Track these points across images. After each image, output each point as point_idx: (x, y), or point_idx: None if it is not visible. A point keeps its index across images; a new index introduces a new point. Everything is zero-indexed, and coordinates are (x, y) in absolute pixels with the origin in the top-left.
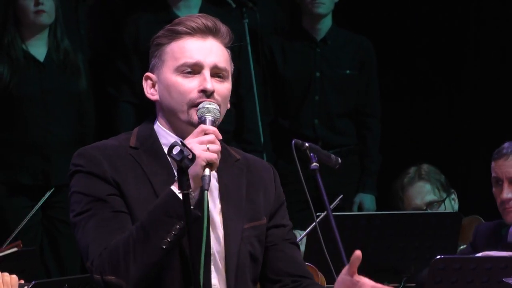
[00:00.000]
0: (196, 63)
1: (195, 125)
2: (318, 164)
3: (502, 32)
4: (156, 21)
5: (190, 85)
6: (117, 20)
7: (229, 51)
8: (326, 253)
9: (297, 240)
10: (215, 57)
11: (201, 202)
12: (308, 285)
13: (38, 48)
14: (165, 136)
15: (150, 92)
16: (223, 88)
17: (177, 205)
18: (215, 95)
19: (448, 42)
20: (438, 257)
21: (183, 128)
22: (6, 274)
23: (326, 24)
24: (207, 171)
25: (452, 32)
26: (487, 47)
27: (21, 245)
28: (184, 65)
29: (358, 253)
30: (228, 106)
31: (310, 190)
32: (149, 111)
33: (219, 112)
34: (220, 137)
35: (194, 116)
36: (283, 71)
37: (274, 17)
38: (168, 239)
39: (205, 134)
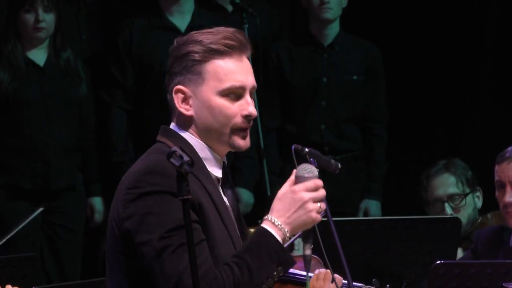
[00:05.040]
0: (241, 87)
1: (235, 148)
2: (318, 169)
3: (507, 35)
4: (149, 27)
5: (235, 109)
6: (115, 23)
7: None
8: (327, 258)
9: (291, 240)
10: (252, 77)
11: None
12: None
13: (38, 55)
14: (203, 149)
15: (184, 107)
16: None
17: (280, 252)
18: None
19: (456, 47)
20: (438, 262)
21: (219, 148)
22: (9, 286)
23: (333, 30)
24: (308, 249)
25: (460, 37)
26: (495, 52)
27: None
28: (231, 88)
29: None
30: None
31: None
32: (142, 118)
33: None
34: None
35: (237, 141)
36: (290, 76)
37: (271, 23)
38: (267, 283)
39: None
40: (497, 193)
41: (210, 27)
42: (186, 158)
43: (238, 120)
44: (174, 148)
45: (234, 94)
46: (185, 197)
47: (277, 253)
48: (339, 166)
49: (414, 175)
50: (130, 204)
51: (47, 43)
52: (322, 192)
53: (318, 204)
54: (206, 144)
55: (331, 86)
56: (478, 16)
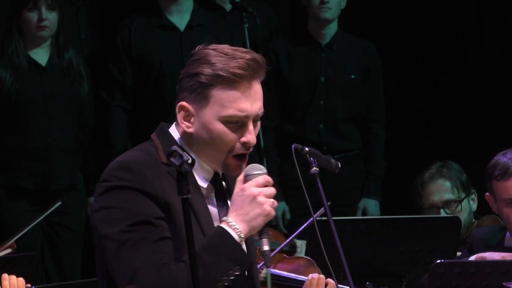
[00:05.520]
0: (244, 117)
1: (226, 172)
2: (318, 169)
3: (504, 35)
4: (148, 26)
5: (234, 136)
6: (114, 22)
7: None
8: (327, 258)
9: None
10: (259, 102)
11: (252, 251)
12: None
13: (40, 54)
14: (196, 159)
15: (185, 123)
16: (257, 129)
17: (238, 252)
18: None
19: (453, 47)
20: (438, 261)
21: (211, 164)
22: (13, 276)
23: (331, 29)
24: (266, 244)
25: (456, 37)
26: (490, 52)
27: (15, 246)
28: (233, 116)
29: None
30: None
31: (313, 195)
32: (142, 117)
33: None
34: None
35: (231, 168)
36: (288, 76)
37: (268, 22)
38: (225, 283)
39: (266, 185)
40: (505, 210)
41: (234, 47)
42: (186, 157)
43: (236, 145)
44: (174, 147)
45: (237, 122)
46: (185, 196)
47: (234, 252)
48: (339, 165)
49: (413, 174)
50: (99, 198)
51: (49, 42)
52: (273, 189)
53: (271, 200)
54: (197, 156)
55: (329, 85)
56: (478, 15)
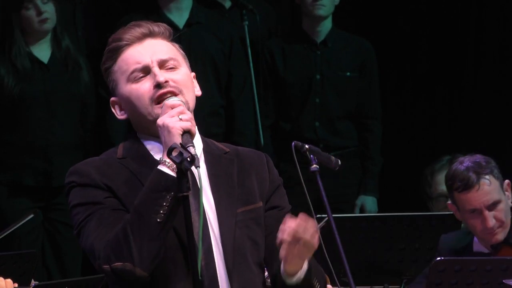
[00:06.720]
0: (144, 66)
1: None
2: (318, 166)
3: (502, 33)
4: None
5: (146, 86)
6: (112, 20)
7: (174, 43)
8: (327, 255)
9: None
10: (158, 52)
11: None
12: None
13: (42, 51)
14: (149, 142)
15: (120, 113)
16: (176, 75)
17: (162, 179)
18: (170, 83)
19: (449, 43)
20: (438, 258)
21: (157, 131)
22: (1, 278)
23: (326, 27)
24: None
25: (453, 33)
26: (488, 48)
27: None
28: (134, 71)
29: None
30: (199, 93)
31: (312, 192)
32: None
33: (182, 102)
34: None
35: (158, 111)
36: (283, 74)
37: (267, 20)
38: (161, 212)
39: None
40: (471, 221)
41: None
42: (186, 154)
43: (151, 92)
44: (174, 144)
45: (141, 76)
46: (185, 194)
47: (159, 182)
48: (339, 162)
49: (410, 171)
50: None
51: (49, 37)
52: (176, 108)
53: (177, 116)
54: (145, 135)
55: (324, 83)
56: (477, 13)
